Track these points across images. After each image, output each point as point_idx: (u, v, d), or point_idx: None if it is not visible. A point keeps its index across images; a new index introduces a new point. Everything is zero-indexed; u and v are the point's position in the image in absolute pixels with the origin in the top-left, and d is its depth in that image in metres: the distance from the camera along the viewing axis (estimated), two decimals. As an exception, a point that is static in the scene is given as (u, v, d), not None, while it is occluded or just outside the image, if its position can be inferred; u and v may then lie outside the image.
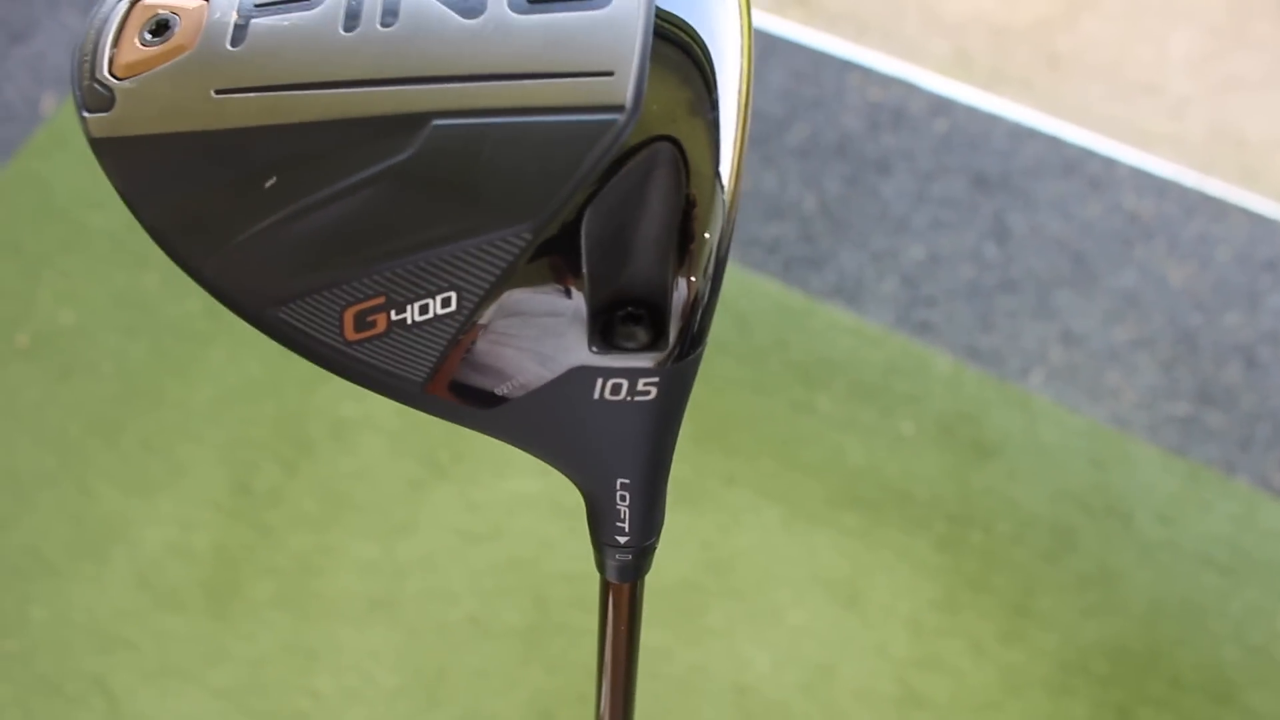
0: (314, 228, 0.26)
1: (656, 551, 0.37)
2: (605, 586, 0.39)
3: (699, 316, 0.29)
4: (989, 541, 1.14)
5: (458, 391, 0.29)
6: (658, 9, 0.26)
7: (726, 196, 0.28)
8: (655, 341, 0.28)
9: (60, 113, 1.39)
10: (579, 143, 0.24)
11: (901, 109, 1.38)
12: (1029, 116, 1.39)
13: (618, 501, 0.34)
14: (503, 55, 0.25)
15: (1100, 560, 1.14)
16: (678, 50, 0.27)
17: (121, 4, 0.28)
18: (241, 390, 1.19)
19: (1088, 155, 1.36)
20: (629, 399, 0.29)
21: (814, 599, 1.10)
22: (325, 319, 0.27)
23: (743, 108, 0.28)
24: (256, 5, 0.26)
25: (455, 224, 0.25)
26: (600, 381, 0.29)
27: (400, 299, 0.27)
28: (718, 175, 0.27)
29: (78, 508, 1.13)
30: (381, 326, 0.27)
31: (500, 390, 0.29)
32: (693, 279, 0.28)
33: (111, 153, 0.27)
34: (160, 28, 0.27)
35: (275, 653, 1.07)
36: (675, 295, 0.28)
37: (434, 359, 0.28)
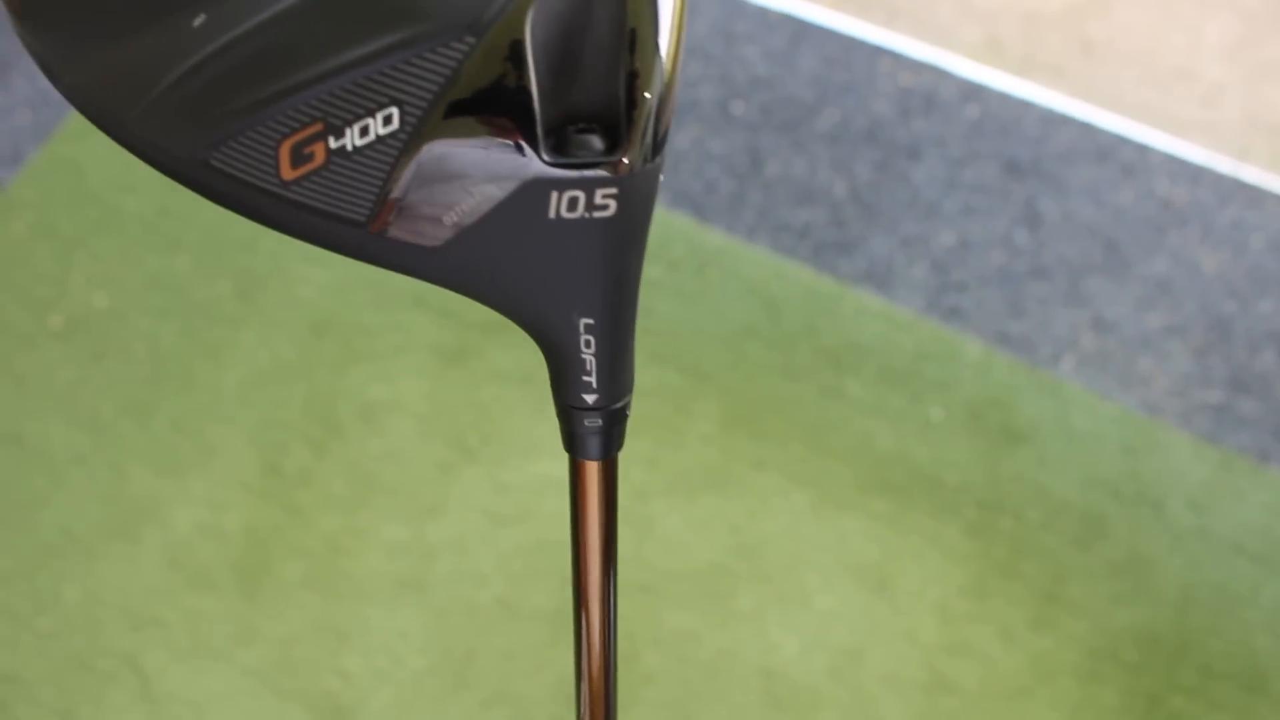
0: (244, 57, 0.24)
1: (627, 426, 0.34)
2: (575, 468, 0.35)
3: (653, 123, 0.27)
4: (1019, 528, 1.14)
5: (404, 228, 0.27)
6: None
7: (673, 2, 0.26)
8: (611, 150, 0.27)
9: (93, 97, 1.39)
10: None
11: (932, 95, 1.37)
12: (1061, 103, 1.38)
13: (582, 348, 0.31)
14: None
15: (1131, 548, 1.14)
16: None
17: None
18: (271, 372, 1.20)
19: (1120, 142, 1.35)
20: (587, 214, 0.27)
21: (843, 584, 1.10)
22: (260, 158, 0.26)
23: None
24: None
25: (393, 35, 0.24)
26: (555, 195, 0.27)
27: (339, 121, 0.25)
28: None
29: (110, 488, 1.14)
30: (320, 158, 0.25)
31: (448, 218, 0.27)
32: (644, 87, 0.26)
33: (31, 15, 0.26)
34: None
35: (305, 632, 1.07)
36: (627, 102, 0.26)
37: (376, 189, 0.26)
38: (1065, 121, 1.36)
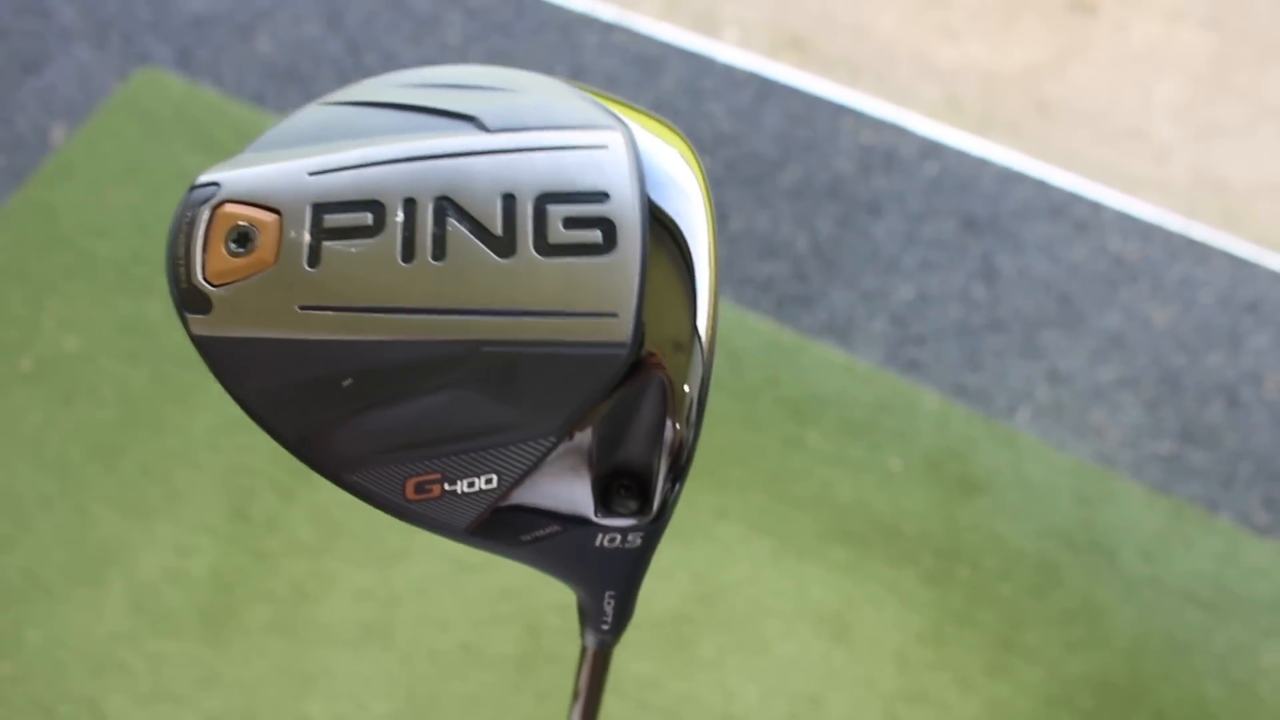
0: (383, 420, 0.33)
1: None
2: (584, 651, 0.48)
3: (674, 491, 0.36)
4: (976, 576, 1.16)
5: (490, 535, 0.36)
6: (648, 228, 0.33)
7: (692, 412, 0.35)
8: (642, 508, 0.36)
9: (69, 143, 1.41)
10: (593, 369, 0.32)
11: (893, 152, 1.41)
12: (1017, 161, 1.42)
13: (604, 605, 0.42)
14: (533, 293, 0.31)
15: (1085, 596, 1.16)
16: (666, 266, 0.34)
17: (204, 210, 0.33)
18: (240, 418, 1.20)
19: (1074, 199, 1.40)
20: (621, 546, 0.37)
21: (803, 631, 1.12)
22: (389, 484, 0.34)
23: (710, 319, 0.35)
24: (325, 230, 0.32)
25: (497, 427, 0.33)
26: (600, 535, 0.36)
27: (453, 476, 0.34)
28: (696, 402, 0.35)
29: (76, 531, 1.15)
30: (436, 493, 0.34)
31: (524, 538, 0.36)
32: (670, 467, 0.35)
33: (212, 349, 0.33)
34: (243, 239, 0.32)
35: (269, 677, 1.08)
36: (658, 476, 0.35)
37: (474, 516, 0.35)
38: (1021, 179, 1.41)
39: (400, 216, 0.32)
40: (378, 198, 0.32)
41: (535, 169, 0.32)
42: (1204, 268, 1.36)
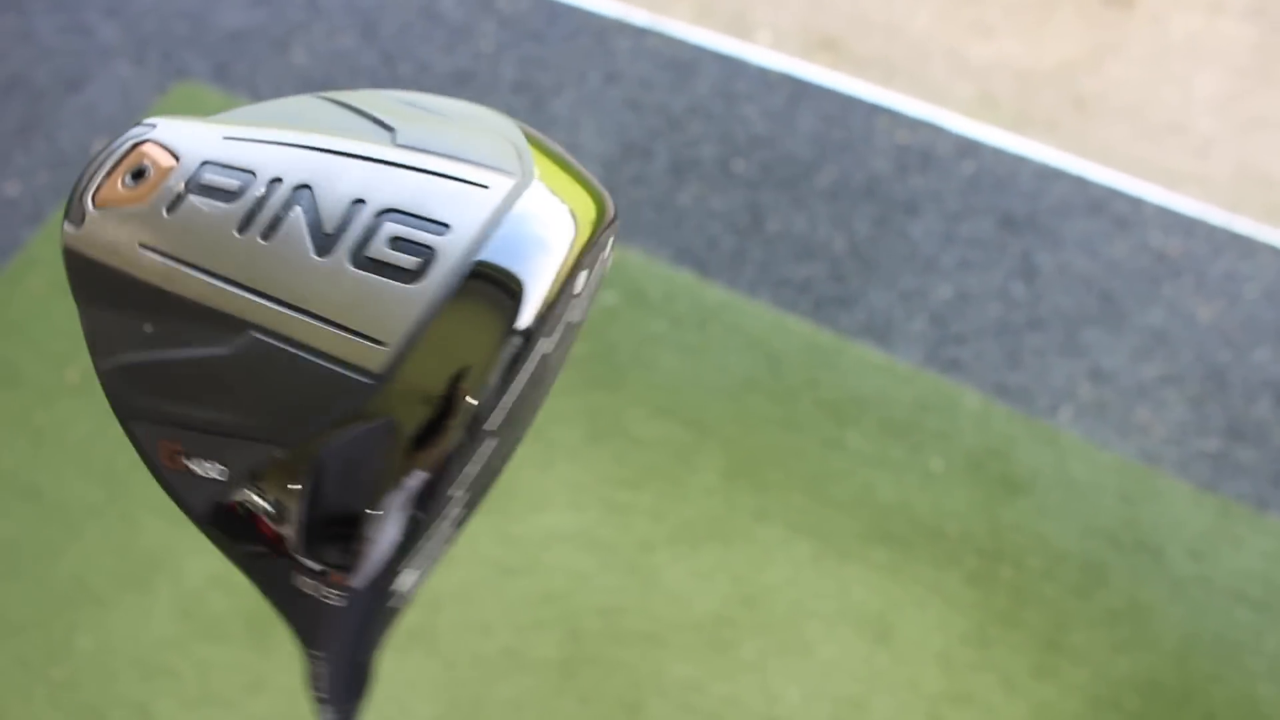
0: (161, 374, 0.34)
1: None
2: None
3: (400, 574, 0.35)
4: (1020, 577, 1.15)
5: (221, 530, 0.36)
6: (476, 274, 0.31)
7: (440, 499, 0.33)
8: (342, 564, 0.34)
9: (111, 158, 1.43)
10: (338, 389, 0.31)
11: (929, 151, 1.41)
12: (1055, 157, 1.41)
13: (313, 662, 0.39)
14: (320, 297, 0.31)
15: (1131, 596, 1.15)
16: (480, 322, 0.32)
17: (127, 143, 0.34)
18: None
19: (1114, 195, 1.38)
20: (318, 597, 0.35)
21: (845, 633, 1.11)
22: (151, 442, 0.35)
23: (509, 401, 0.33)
24: (197, 185, 0.33)
25: (238, 419, 0.33)
26: (294, 573, 0.35)
27: (191, 452, 0.34)
28: (441, 470, 0.32)
29: (123, 539, 1.16)
30: (179, 465, 0.35)
31: (241, 546, 0.36)
32: (401, 543, 0.33)
33: (69, 261, 0.35)
34: (138, 175, 0.34)
35: (314, 683, 1.08)
36: (371, 540, 0.33)
37: (207, 503, 0.35)
38: (1059, 175, 1.39)
39: (260, 191, 0.32)
40: (254, 169, 0.33)
41: (401, 185, 0.32)
42: (1249, 262, 1.34)
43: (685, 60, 1.49)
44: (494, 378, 0.31)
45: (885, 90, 1.47)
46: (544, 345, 0.33)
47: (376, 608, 0.37)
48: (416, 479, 0.32)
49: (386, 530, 0.33)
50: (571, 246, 0.33)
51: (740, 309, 1.29)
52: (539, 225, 0.32)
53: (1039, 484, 1.20)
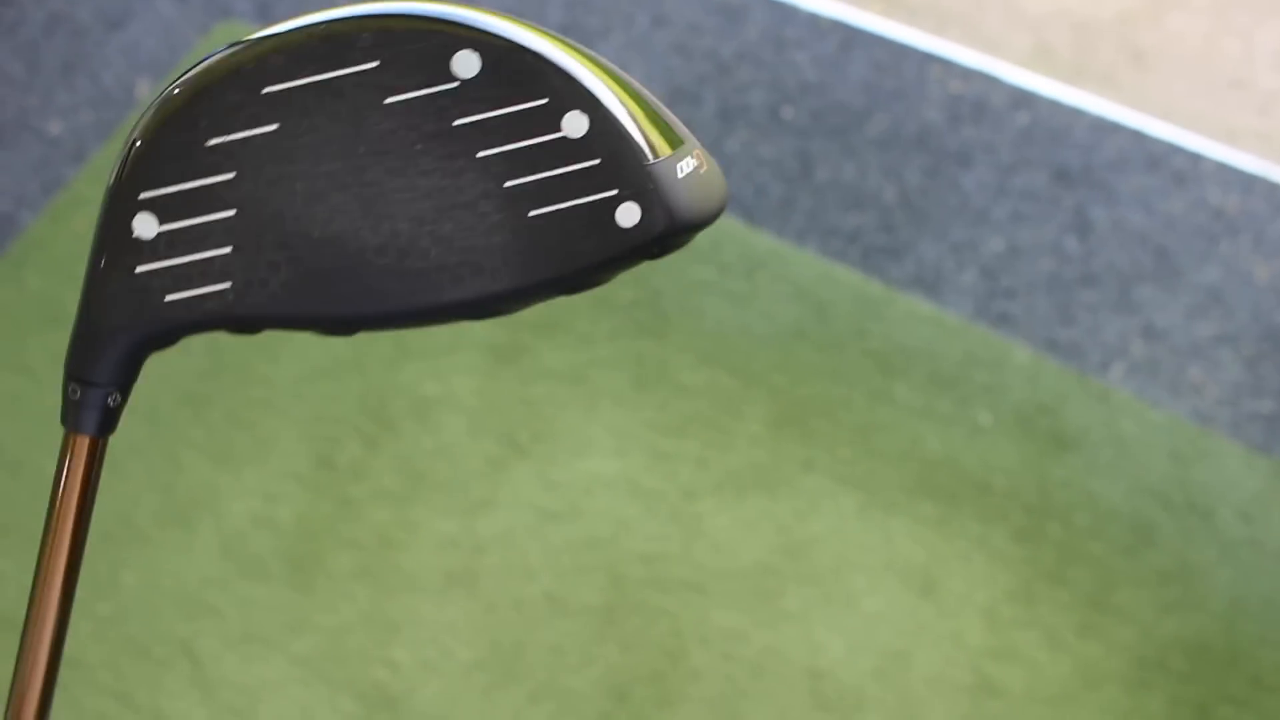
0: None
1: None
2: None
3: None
4: (1067, 534, 1.14)
5: None
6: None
7: None
8: None
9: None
10: None
11: (983, 102, 1.38)
12: (1112, 111, 1.38)
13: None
14: None
15: (1180, 556, 1.13)
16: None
17: None
18: (326, 368, 1.22)
19: (1172, 150, 1.35)
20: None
21: (889, 586, 1.10)
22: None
23: None
24: None
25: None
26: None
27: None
28: None
29: (167, 477, 1.16)
30: None
31: None
32: None
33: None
34: None
35: (355, 623, 1.09)
36: None
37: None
38: (1116, 129, 1.36)
39: None
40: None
41: None
42: (1309, 221, 1.31)
43: (734, 5, 1.46)
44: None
45: (938, 39, 1.43)
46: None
47: None
48: None
49: None
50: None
51: (788, 258, 1.27)
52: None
53: (1089, 441, 1.18)
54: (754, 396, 1.18)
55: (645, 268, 1.27)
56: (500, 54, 0.31)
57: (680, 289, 1.24)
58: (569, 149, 0.32)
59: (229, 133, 0.32)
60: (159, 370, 1.32)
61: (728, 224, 1.30)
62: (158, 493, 1.16)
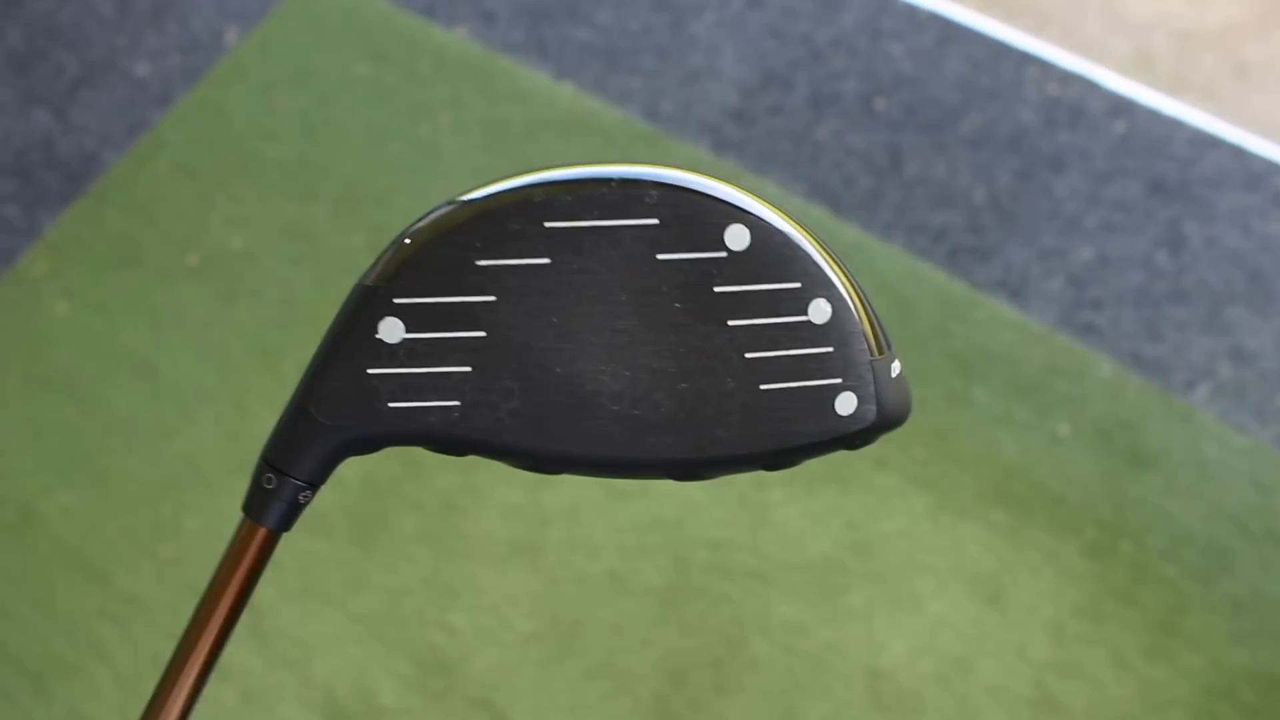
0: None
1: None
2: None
3: None
4: (1140, 554, 1.11)
5: None
6: None
7: None
8: None
9: (241, 46, 1.42)
10: None
11: (1080, 106, 1.35)
12: (1212, 124, 1.34)
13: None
14: None
15: (1256, 586, 1.10)
16: None
17: None
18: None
19: (1273, 169, 1.31)
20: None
21: (956, 591, 1.08)
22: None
23: None
24: None
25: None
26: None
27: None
28: None
29: (234, 425, 1.16)
30: None
31: None
32: None
33: None
34: None
35: (415, 585, 1.08)
36: None
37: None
38: (1216, 144, 1.33)
39: None
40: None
41: None
42: None
43: (830, -8, 1.44)
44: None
45: (1037, 40, 1.40)
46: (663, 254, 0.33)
47: None
48: None
49: None
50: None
51: (873, 251, 1.25)
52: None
53: (1168, 461, 1.15)
54: (830, 389, 1.16)
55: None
56: (768, 235, 0.33)
57: (763, 274, 1.22)
58: (810, 333, 0.33)
59: (502, 257, 0.33)
60: (232, 318, 1.32)
61: (814, 212, 1.28)
62: (225, 440, 1.15)
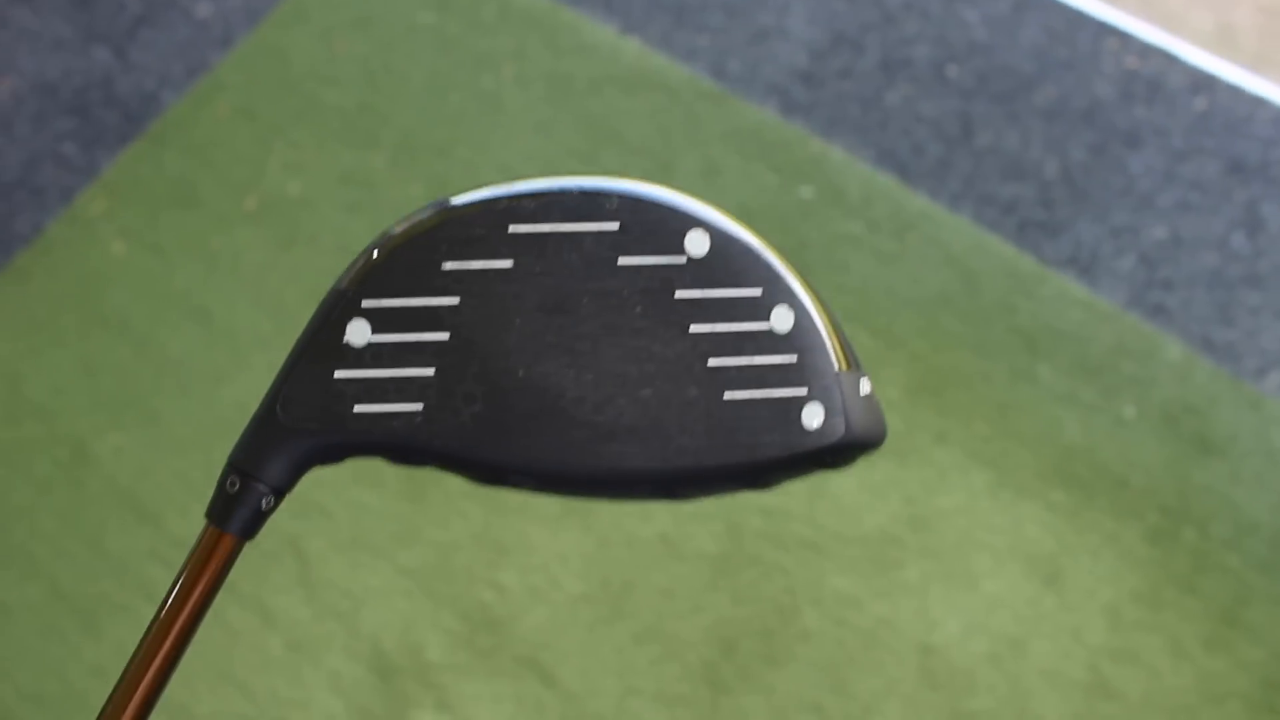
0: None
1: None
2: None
3: None
4: (1202, 541, 1.09)
5: None
6: None
7: None
8: None
9: (303, -12, 1.40)
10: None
11: (1158, 81, 1.31)
12: (1296, 105, 1.30)
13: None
14: None
15: (1321, 579, 1.08)
16: None
17: None
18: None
19: (1357, 153, 1.27)
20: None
21: (1013, 571, 1.06)
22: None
23: None
24: None
25: None
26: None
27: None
28: None
29: (289, 373, 1.15)
30: None
31: None
32: None
33: None
34: None
35: (465, 542, 1.07)
36: None
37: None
38: (1299, 125, 1.29)
39: None
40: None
41: None
42: None
43: (904, -46, 1.40)
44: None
45: (1116, 10, 1.36)
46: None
47: None
48: None
49: None
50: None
51: (940, 221, 1.22)
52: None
53: (1236, 448, 1.13)
54: (893, 359, 1.14)
55: (793, 214, 1.23)
56: (728, 241, 0.33)
57: (828, 240, 1.20)
58: (772, 341, 0.33)
59: (466, 260, 0.33)
60: (288, 264, 1.31)
61: (882, 179, 1.25)
62: (278, 387, 1.15)
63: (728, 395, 0.33)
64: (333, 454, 0.35)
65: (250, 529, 0.36)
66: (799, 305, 0.33)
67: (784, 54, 1.32)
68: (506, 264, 0.33)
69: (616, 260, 0.33)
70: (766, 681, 1.02)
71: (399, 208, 1.24)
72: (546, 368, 0.33)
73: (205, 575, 0.36)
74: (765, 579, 1.05)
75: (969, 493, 1.09)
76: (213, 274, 1.21)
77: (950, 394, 1.13)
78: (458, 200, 0.35)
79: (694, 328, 0.33)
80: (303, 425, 0.34)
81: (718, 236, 0.33)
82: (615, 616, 1.04)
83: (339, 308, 0.34)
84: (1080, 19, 1.34)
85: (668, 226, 0.33)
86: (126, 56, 1.36)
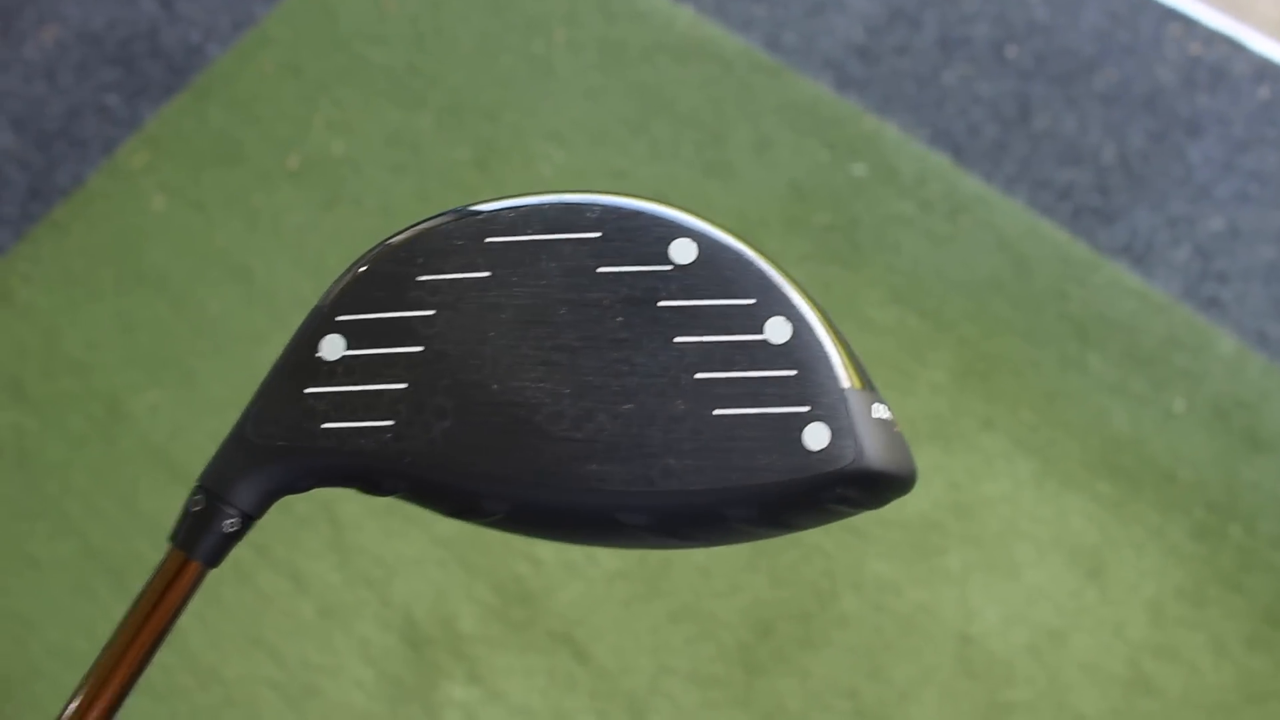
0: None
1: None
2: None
3: None
4: (1250, 539, 1.07)
5: None
6: None
7: None
8: None
9: (351, -55, 1.38)
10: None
11: (1222, 69, 1.28)
12: (1361, 97, 1.27)
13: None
14: None
15: (1370, 582, 1.06)
16: None
17: None
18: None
19: None
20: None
21: (1055, 562, 1.05)
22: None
23: None
24: None
25: None
26: None
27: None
28: None
29: (328, 335, 1.14)
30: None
31: None
32: None
33: None
34: None
35: (502, 511, 1.06)
36: None
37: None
38: (1364, 118, 1.26)
39: None
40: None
41: None
42: None
43: (964, -70, 1.37)
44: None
45: (1180, -5, 1.33)
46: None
47: None
48: None
49: None
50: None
51: (994, 204, 1.20)
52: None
53: (1287, 446, 1.11)
54: (941, 343, 1.12)
55: (845, 192, 1.20)
56: (717, 249, 0.32)
57: (879, 220, 1.18)
58: (768, 354, 0.31)
59: (441, 272, 0.32)
60: (330, 225, 1.29)
61: (935, 159, 1.22)
62: (317, 349, 1.14)
63: (717, 411, 0.30)
64: (301, 477, 0.33)
65: (215, 556, 0.34)
66: (797, 316, 0.31)
67: (840, 28, 1.29)
68: (483, 275, 0.32)
69: (596, 269, 0.32)
70: (802, 665, 1.01)
71: (444, 171, 1.23)
72: (521, 381, 0.31)
73: (166, 603, 0.33)
74: (804, 561, 1.04)
75: (1014, 481, 1.07)
76: (253, 233, 1.20)
77: (998, 380, 1.11)
78: (439, 214, 0.34)
79: (679, 339, 0.31)
80: (271, 443, 0.33)
81: (706, 244, 0.32)
82: (651, 594, 1.03)
83: (314, 322, 0.33)
84: (1144, 3, 1.31)
85: (651, 234, 0.32)
86: (172, 7, 1.35)
